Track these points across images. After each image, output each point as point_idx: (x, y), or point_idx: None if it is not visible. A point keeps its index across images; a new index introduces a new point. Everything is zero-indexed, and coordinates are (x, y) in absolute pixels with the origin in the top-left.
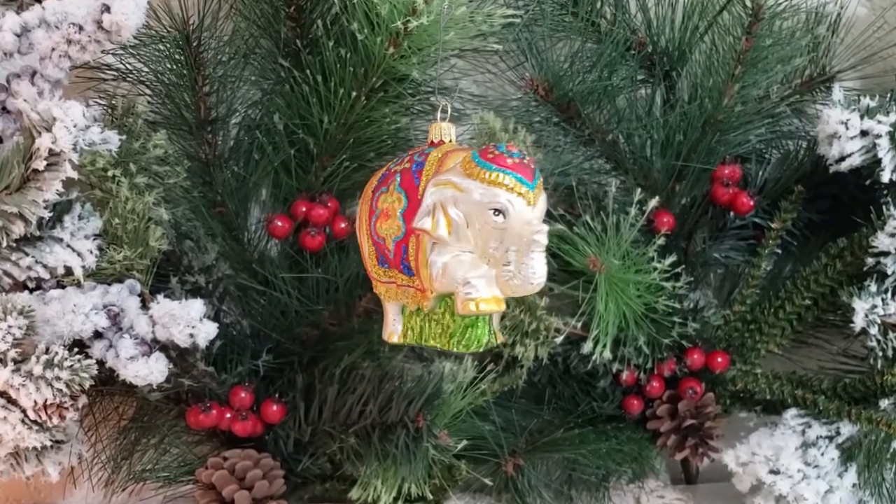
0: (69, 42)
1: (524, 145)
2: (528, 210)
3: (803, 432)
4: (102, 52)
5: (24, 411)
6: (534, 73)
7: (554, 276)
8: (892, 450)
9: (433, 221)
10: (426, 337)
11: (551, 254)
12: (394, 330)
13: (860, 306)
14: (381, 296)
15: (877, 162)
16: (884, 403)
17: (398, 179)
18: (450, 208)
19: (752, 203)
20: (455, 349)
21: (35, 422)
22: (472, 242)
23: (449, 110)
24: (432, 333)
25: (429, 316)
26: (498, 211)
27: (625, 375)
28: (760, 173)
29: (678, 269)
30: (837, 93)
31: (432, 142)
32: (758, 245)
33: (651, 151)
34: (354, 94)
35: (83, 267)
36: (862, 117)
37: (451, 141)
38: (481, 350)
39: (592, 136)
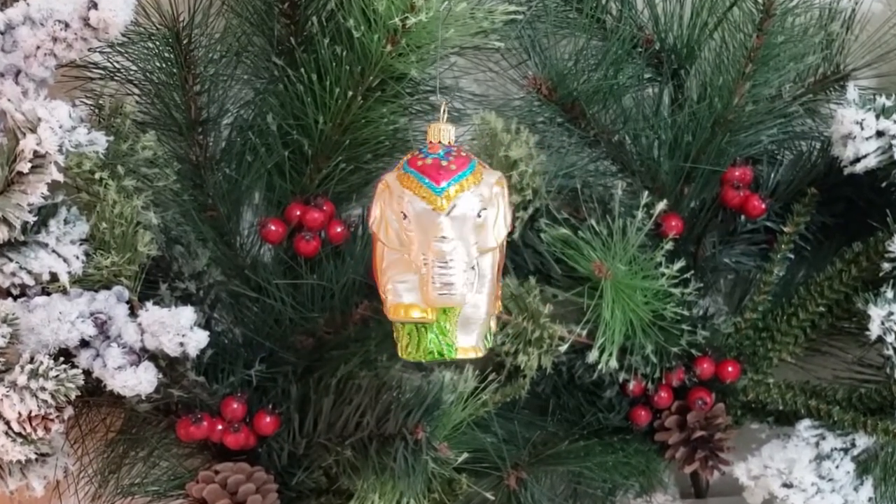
0: (55, 40)
1: (527, 146)
2: (432, 216)
3: (817, 444)
4: (89, 50)
5: (7, 423)
6: (537, 71)
7: (558, 282)
8: None
9: (378, 223)
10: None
11: (555, 259)
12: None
13: (876, 313)
14: None
15: (893, 163)
16: None
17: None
18: (388, 211)
19: (763, 206)
20: (403, 356)
21: (19, 434)
22: (407, 247)
23: (444, 111)
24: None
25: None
26: (405, 215)
27: (632, 385)
28: (772, 175)
29: (687, 275)
30: (852, 92)
31: (431, 142)
32: (770, 250)
33: (659, 153)
34: (351, 93)
35: (69, 273)
36: (878, 117)
37: (449, 142)
38: (433, 360)
39: (598, 137)
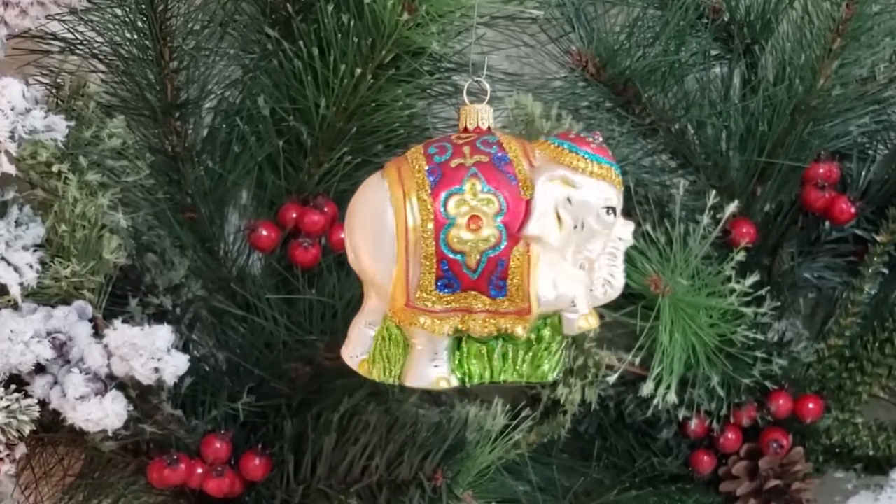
0: (5, 4)
1: None
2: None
3: None
4: (46, 17)
5: None
6: (582, 46)
7: None
8: None
9: (551, 226)
10: (504, 371)
11: None
12: (441, 373)
13: None
14: (423, 329)
15: None
16: None
17: (481, 176)
18: (561, 209)
19: (852, 210)
20: (549, 378)
21: None
22: (572, 247)
23: (488, 91)
24: (515, 366)
25: (510, 345)
26: (610, 209)
27: (693, 425)
28: (863, 173)
29: (761, 292)
30: None
31: (466, 129)
32: (859, 263)
33: (727, 145)
34: (359, 71)
35: (21, 285)
36: None
37: (489, 127)
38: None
39: (655, 126)
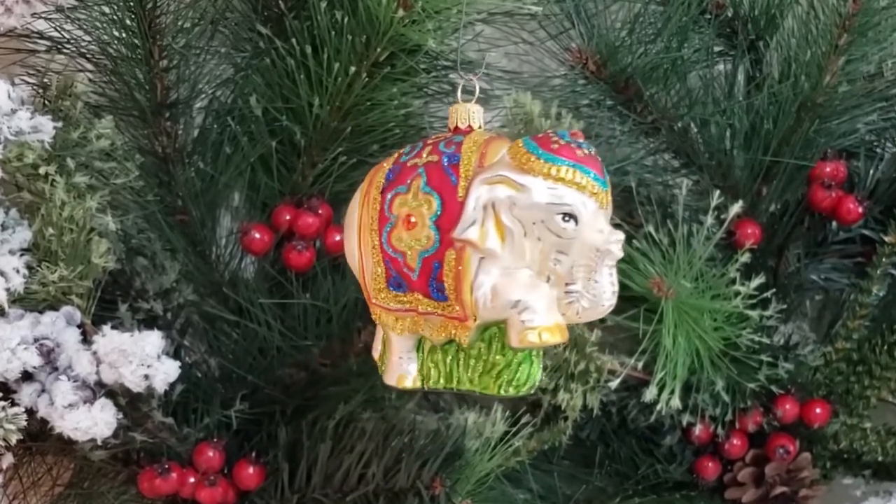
0: None
1: None
2: (601, 214)
3: None
4: (32, 15)
5: None
6: (582, 42)
7: None
8: None
9: (482, 230)
10: (459, 379)
11: None
12: (406, 371)
13: None
14: (387, 328)
15: None
16: None
17: (424, 177)
18: (503, 213)
19: (860, 210)
20: (502, 392)
21: None
22: (529, 256)
23: (477, 89)
24: (468, 374)
25: (463, 352)
26: (568, 216)
27: (697, 430)
28: (871, 172)
29: (766, 295)
30: None
31: (457, 128)
32: (867, 264)
33: (731, 143)
34: (353, 69)
35: (8, 290)
36: None
37: (479, 127)
38: (532, 392)
39: (657, 124)
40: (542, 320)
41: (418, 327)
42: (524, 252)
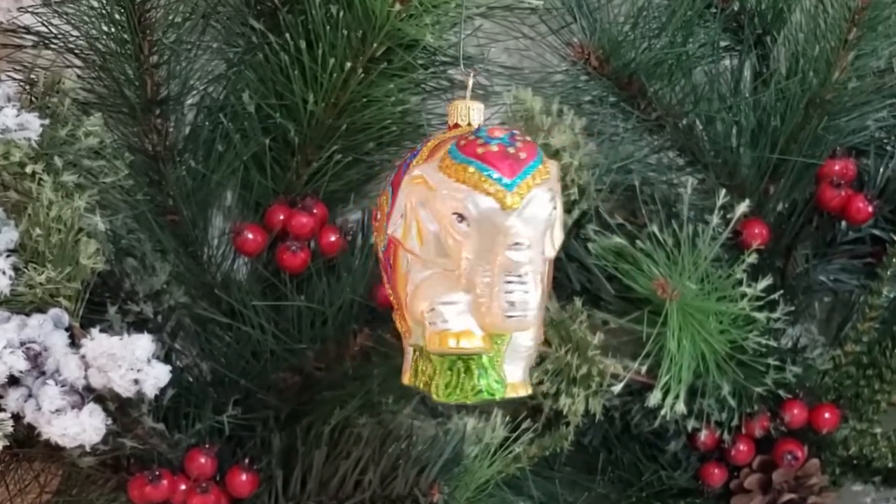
0: None
1: (572, 132)
2: (500, 216)
3: None
4: (19, 9)
5: None
6: (584, 37)
7: (610, 305)
8: None
9: (404, 229)
10: (418, 381)
11: (606, 275)
12: (405, 368)
13: None
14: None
15: None
16: None
17: (391, 175)
18: (421, 212)
19: (869, 209)
20: (442, 398)
21: None
22: (454, 257)
23: (470, 83)
24: (420, 375)
25: (425, 354)
26: (461, 216)
27: (703, 436)
28: (881, 170)
29: (774, 296)
30: None
31: (457, 124)
32: (877, 265)
33: (738, 141)
34: (349, 65)
35: None
36: None
37: (477, 123)
38: (481, 401)
39: (661, 121)
40: (449, 324)
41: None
42: (450, 252)
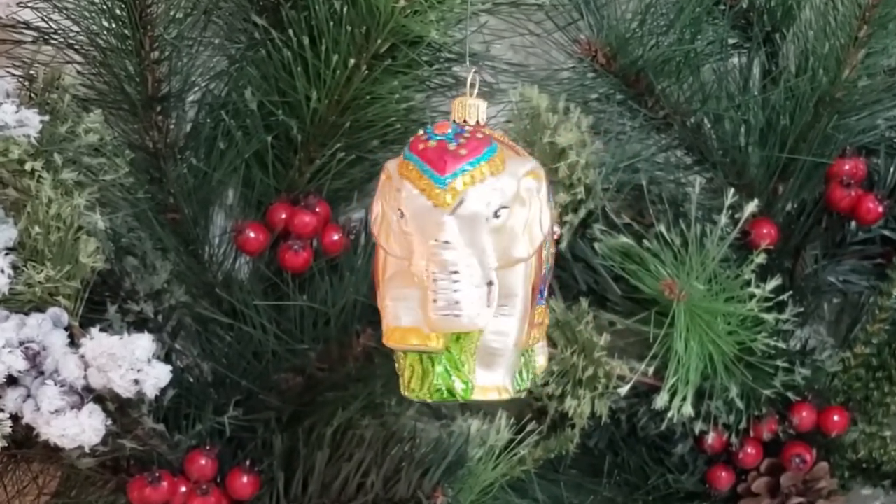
0: None
1: (579, 130)
2: (434, 214)
3: None
4: (18, 4)
5: None
6: (591, 34)
7: (617, 306)
8: None
9: (378, 223)
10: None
11: (613, 276)
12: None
13: None
14: None
15: None
16: None
17: None
18: (386, 207)
19: (880, 209)
20: (407, 394)
21: None
22: (405, 254)
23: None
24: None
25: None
26: (402, 213)
27: (710, 439)
28: (892, 170)
29: (782, 297)
30: None
31: (465, 121)
32: (887, 266)
33: (747, 140)
34: (352, 61)
35: None
36: None
37: (478, 122)
38: (442, 401)
39: (669, 119)
40: (402, 322)
41: None
42: (402, 248)
